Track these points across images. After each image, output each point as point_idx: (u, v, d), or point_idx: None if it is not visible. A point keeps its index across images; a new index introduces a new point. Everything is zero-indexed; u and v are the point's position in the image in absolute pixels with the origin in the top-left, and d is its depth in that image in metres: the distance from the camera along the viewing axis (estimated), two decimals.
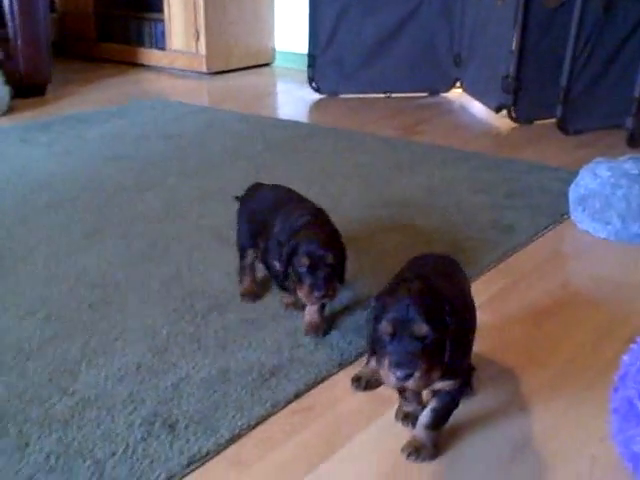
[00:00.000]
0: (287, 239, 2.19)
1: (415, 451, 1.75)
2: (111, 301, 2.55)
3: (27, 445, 1.82)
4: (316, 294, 2.11)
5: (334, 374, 2.15)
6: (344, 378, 2.12)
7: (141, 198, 3.58)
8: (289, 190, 2.56)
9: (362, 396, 2.04)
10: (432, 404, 1.73)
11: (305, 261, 2.09)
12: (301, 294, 2.17)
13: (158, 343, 2.27)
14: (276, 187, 2.61)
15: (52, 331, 2.34)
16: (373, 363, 2.04)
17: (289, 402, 2.01)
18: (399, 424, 1.89)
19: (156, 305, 2.52)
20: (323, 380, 2.11)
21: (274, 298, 2.55)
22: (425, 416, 1.75)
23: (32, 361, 2.17)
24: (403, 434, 1.84)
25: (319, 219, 2.27)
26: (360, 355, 2.20)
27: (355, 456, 1.81)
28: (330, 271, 2.12)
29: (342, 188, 3.73)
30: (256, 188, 2.66)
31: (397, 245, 3.00)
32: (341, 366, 2.18)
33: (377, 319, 1.57)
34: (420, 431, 1.77)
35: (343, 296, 2.52)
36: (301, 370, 2.13)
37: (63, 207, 3.45)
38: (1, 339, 2.29)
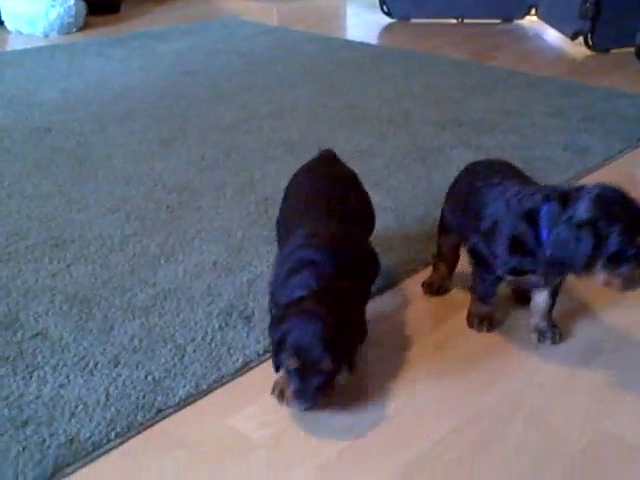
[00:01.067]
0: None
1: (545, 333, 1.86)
2: (187, 204, 2.63)
3: (112, 328, 1.92)
4: (302, 406, 1.54)
5: (403, 280, 2.18)
6: (411, 284, 2.16)
7: (215, 111, 3.65)
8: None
9: (432, 300, 2.08)
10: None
11: (293, 362, 1.53)
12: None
13: (233, 244, 2.35)
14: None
15: (132, 229, 2.44)
16: (439, 270, 2.12)
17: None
18: (466, 325, 1.94)
19: (231, 209, 2.59)
20: (393, 285, 2.15)
21: None
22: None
23: (114, 254, 2.28)
24: (473, 336, 1.89)
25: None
26: (428, 264, 2.23)
27: (426, 356, 1.86)
28: (325, 379, 1.54)
29: (413, 108, 3.72)
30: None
31: (468, 161, 2.99)
32: (409, 273, 2.21)
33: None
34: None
35: (416, 205, 2.56)
36: None
37: (139, 117, 3.54)
38: (85, 233, 2.40)
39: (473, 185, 1.93)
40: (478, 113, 3.64)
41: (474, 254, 1.88)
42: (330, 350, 1.50)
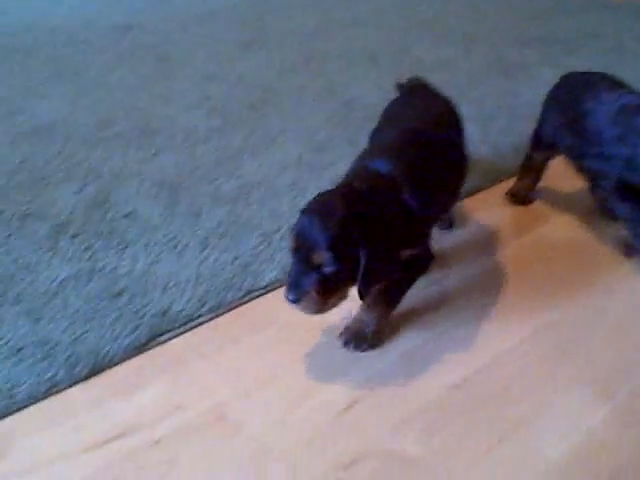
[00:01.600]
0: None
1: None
2: (269, 103, 2.64)
3: (199, 214, 1.96)
4: (288, 297, 1.35)
5: (486, 188, 2.17)
6: (495, 192, 2.15)
7: (294, 16, 3.61)
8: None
9: (508, 211, 2.07)
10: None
11: (291, 242, 1.36)
12: None
13: (316, 143, 2.36)
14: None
15: (217, 123, 2.46)
16: (524, 181, 2.09)
17: None
18: (543, 239, 1.93)
19: (312, 111, 2.59)
20: (474, 192, 2.14)
21: None
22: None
23: (200, 146, 2.31)
24: (558, 243, 1.88)
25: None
26: (512, 174, 2.21)
27: (508, 259, 1.86)
28: (320, 278, 1.33)
29: (497, 24, 3.64)
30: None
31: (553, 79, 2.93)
32: (493, 181, 2.20)
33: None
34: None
35: (500, 116, 2.53)
36: None
37: (219, 18, 3.53)
38: (170, 125, 2.43)
39: (585, 104, 1.80)
40: (564, 33, 3.54)
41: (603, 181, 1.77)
42: (332, 246, 1.29)
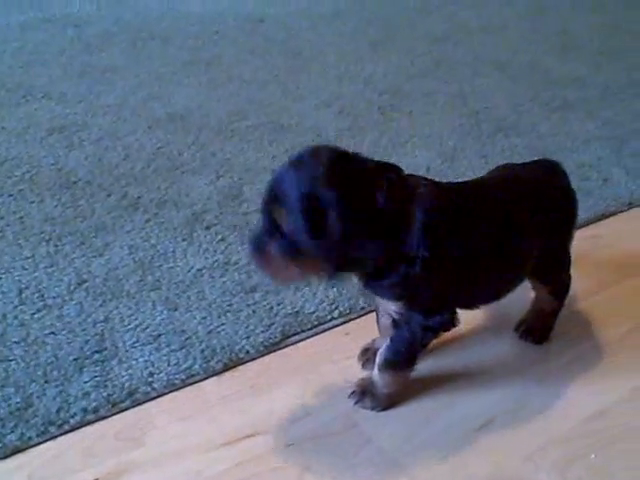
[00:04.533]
0: None
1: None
2: (398, 107, 2.63)
3: None
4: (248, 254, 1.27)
5: (623, 211, 2.10)
6: (629, 218, 2.07)
7: (422, 19, 3.60)
8: None
9: None
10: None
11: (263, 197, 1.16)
12: None
13: (446, 152, 2.33)
14: None
15: (346, 124, 2.47)
16: None
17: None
18: None
19: (442, 118, 2.56)
20: (610, 215, 2.08)
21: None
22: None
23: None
24: None
25: None
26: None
27: (631, 292, 1.79)
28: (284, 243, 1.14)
29: (630, 42, 3.51)
30: None
31: None
32: (630, 205, 2.12)
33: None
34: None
35: (634, 138, 2.45)
36: (589, 201, 2.11)
37: (348, 18, 3.54)
38: (300, 121, 2.46)
39: None
40: None
41: None
42: (297, 205, 1.08)
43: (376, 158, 2.14)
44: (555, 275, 1.50)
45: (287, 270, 1.15)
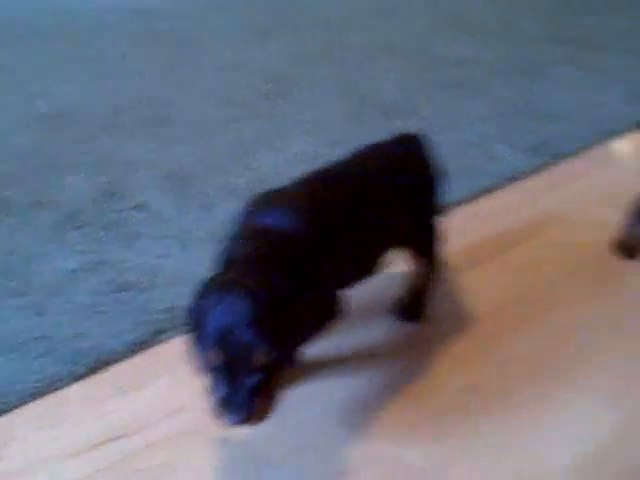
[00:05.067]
0: None
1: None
2: (286, 95, 2.61)
3: (211, 208, 1.94)
4: (232, 420, 1.03)
5: (504, 187, 2.13)
6: (513, 192, 2.11)
7: (316, 5, 3.58)
8: None
9: (529, 211, 2.03)
10: None
11: (216, 357, 1.04)
12: None
13: (332, 138, 2.32)
14: None
15: (232, 114, 2.44)
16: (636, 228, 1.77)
17: (454, 206, 2.01)
18: (563, 241, 1.88)
19: (329, 104, 2.56)
20: (491, 190, 2.11)
21: None
22: None
23: (214, 137, 2.29)
24: (565, 255, 1.84)
25: None
26: (531, 173, 2.17)
27: (506, 266, 1.82)
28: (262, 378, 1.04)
29: (520, 20, 3.58)
30: None
31: (571, 80, 2.88)
32: (511, 180, 2.16)
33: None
34: None
35: (518, 116, 2.49)
36: (469, 178, 2.13)
37: (239, 7, 3.50)
38: (185, 114, 2.42)
39: None
40: (590, 31, 3.48)
41: None
42: (266, 335, 1.02)
43: (263, 145, 2.12)
44: (427, 243, 1.51)
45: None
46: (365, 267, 1.37)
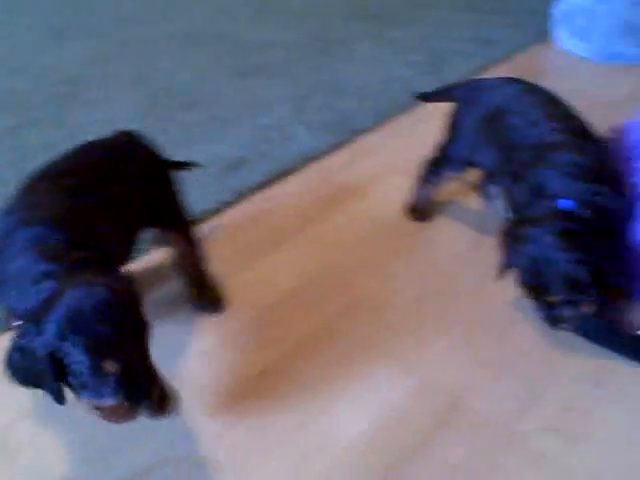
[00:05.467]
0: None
1: None
2: (76, 96, 2.50)
3: None
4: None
5: (301, 168, 2.13)
6: (311, 171, 2.11)
7: (112, 2, 3.46)
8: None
9: (328, 189, 2.03)
10: None
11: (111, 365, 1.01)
12: None
13: None
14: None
15: (15, 120, 2.30)
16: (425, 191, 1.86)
17: (253, 192, 2.00)
18: (362, 213, 1.90)
19: (123, 102, 2.47)
20: (289, 173, 2.10)
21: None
22: None
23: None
24: (358, 226, 1.86)
25: None
26: (325, 152, 2.18)
27: (314, 240, 1.82)
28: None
29: None
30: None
31: (372, 55, 2.93)
32: (308, 160, 2.16)
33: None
34: None
35: (315, 94, 2.49)
36: (267, 162, 2.11)
37: (28, 7, 3.33)
38: None
39: (507, 118, 1.61)
40: (388, 6, 3.56)
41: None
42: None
43: (48, 153, 2.01)
44: (177, 221, 1.53)
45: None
46: (124, 246, 1.37)
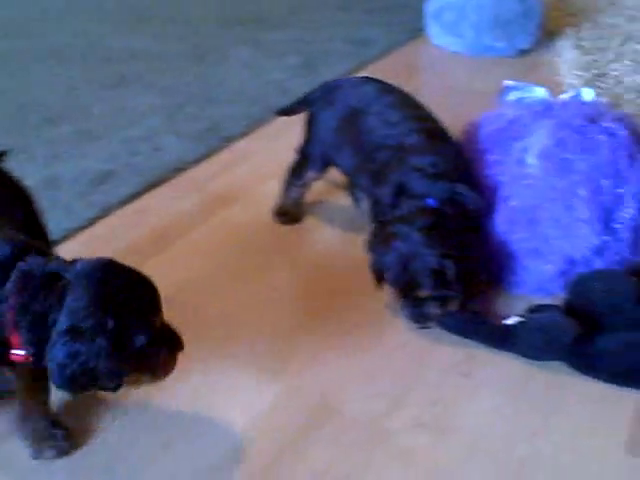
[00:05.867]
0: None
1: None
2: None
3: None
4: None
5: (171, 178, 2.08)
6: (181, 182, 2.07)
7: None
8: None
9: (199, 198, 2.00)
10: None
11: None
12: None
13: None
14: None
15: None
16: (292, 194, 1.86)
17: (122, 205, 1.94)
18: (233, 220, 1.88)
19: None
20: (159, 184, 2.05)
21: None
22: None
23: None
24: (233, 232, 1.83)
25: None
26: (197, 162, 2.15)
27: (187, 251, 1.78)
28: None
29: (196, 5, 3.56)
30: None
31: (247, 60, 2.91)
32: (178, 171, 2.11)
33: None
34: None
35: (189, 104, 2.46)
36: (136, 175, 2.06)
37: None
38: None
39: (365, 120, 1.63)
40: (262, 10, 3.54)
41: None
42: None
43: None
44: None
45: None
46: None
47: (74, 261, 1.10)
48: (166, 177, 2.08)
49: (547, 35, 3.16)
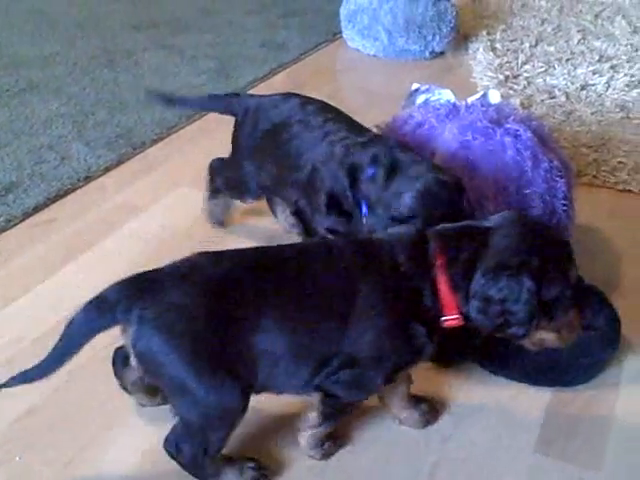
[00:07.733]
0: None
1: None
2: None
3: None
4: None
5: (79, 187, 2.02)
6: (90, 191, 2.01)
7: None
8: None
9: (107, 207, 1.94)
10: None
11: None
12: None
13: None
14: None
15: None
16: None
17: (28, 216, 1.88)
18: (142, 229, 1.83)
19: None
20: (67, 193, 1.99)
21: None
22: None
23: None
24: (144, 241, 1.79)
25: None
26: (107, 169, 2.10)
27: (96, 261, 1.73)
28: None
29: (106, 10, 3.47)
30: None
31: (160, 65, 2.86)
32: (87, 180, 2.06)
33: None
34: None
35: (97, 110, 2.39)
36: (42, 185, 2.00)
37: None
38: None
39: (289, 130, 1.58)
40: (175, 12, 3.48)
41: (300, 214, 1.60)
42: None
43: None
44: None
45: None
46: None
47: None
48: (73, 187, 2.02)
49: (462, 38, 3.20)
